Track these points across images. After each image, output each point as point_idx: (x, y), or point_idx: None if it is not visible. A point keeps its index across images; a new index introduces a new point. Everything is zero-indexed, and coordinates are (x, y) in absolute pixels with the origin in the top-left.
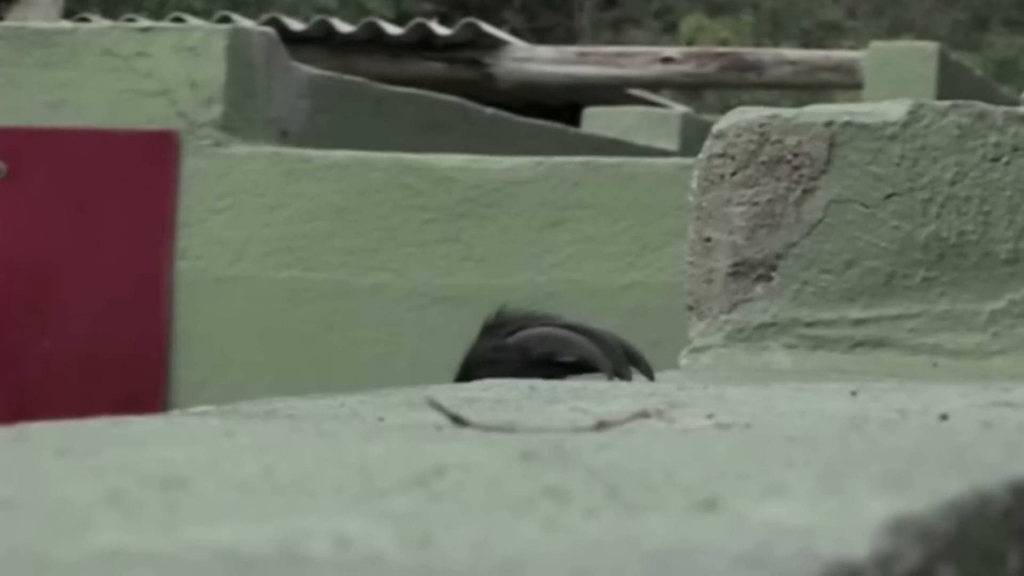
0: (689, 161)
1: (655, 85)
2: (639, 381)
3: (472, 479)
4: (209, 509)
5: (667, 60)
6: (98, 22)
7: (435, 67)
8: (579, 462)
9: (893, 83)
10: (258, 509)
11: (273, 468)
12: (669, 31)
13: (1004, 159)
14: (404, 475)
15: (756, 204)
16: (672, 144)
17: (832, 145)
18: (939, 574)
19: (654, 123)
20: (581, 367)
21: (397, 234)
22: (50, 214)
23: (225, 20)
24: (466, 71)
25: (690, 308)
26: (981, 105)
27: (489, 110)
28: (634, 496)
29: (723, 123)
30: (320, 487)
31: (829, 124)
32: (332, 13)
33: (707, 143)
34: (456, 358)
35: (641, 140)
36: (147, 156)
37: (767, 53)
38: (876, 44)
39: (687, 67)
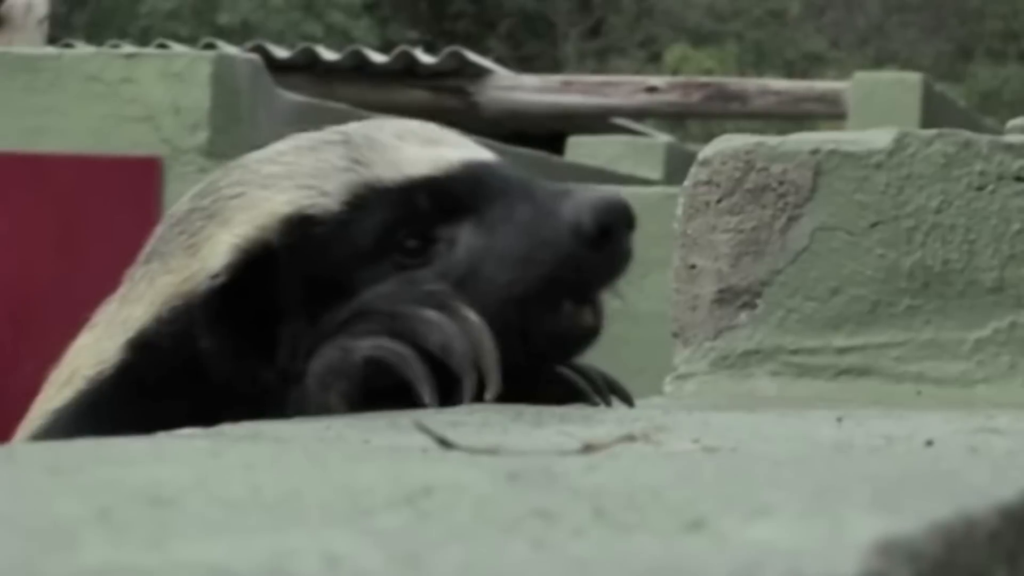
0: (673, 190)
1: (639, 114)
2: (622, 408)
3: (459, 499)
4: (198, 526)
5: (652, 90)
6: (83, 48)
7: (419, 95)
8: (566, 483)
9: (877, 113)
10: (247, 527)
11: (261, 487)
12: (654, 61)
13: (989, 188)
14: (391, 495)
15: (741, 231)
16: (656, 173)
17: (817, 173)
18: None
19: (638, 152)
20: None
21: None
22: (34, 239)
23: (210, 47)
24: (451, 99)
25: (675, 335)
26: (966, 134)
27: (473, 138)
28: (621, 516)
29: (708, 150)
30: (308, 506)
31: (814, 152)
32: (317, 41)
33: (692, 170)
34: None
35: (625, 169)
36: (131, 182)
37: (751, 83)
38: (860, 75)
39: (671, 97)
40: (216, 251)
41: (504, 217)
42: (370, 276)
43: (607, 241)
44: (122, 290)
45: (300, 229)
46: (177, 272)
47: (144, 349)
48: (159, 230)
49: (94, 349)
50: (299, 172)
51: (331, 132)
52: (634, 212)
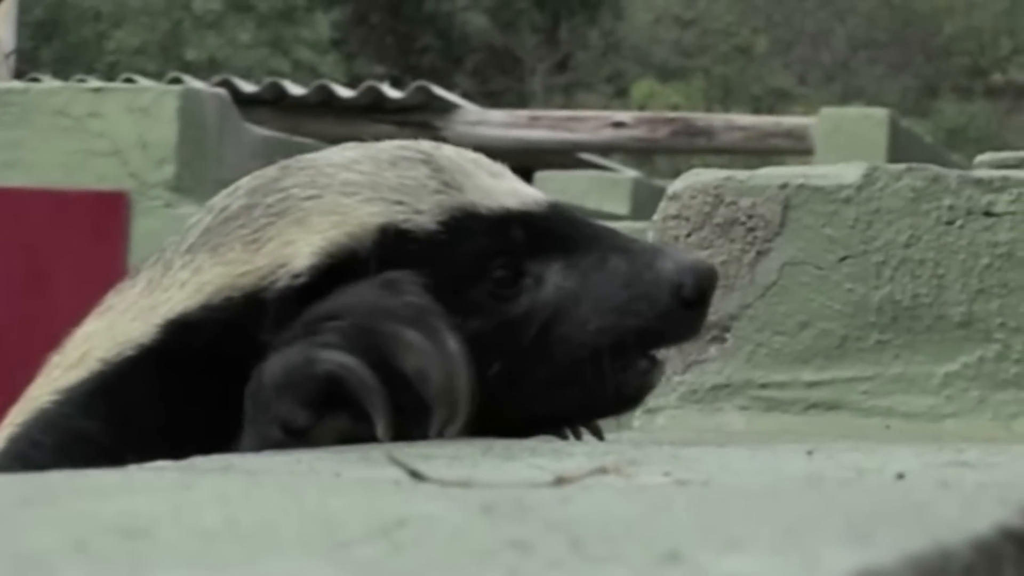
0: (640, 225)
1: (606, 149)
2: (592, 441)
3: (434, 530)
4: (174, 557)
5: (618, 125)
6: (50, 83)
7: (386, 130)
8: (540, 515)
9: (844, 149)
10: (223, 557)
11: (235, 518)
12: (620, 96)
13: (958, 222)
14: (366, 526)
15: None
16: (623, 208)
17: (786, 207)
18: None
19: (605, 187)
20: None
21: None
22: (1, 274)
23: (177, 81)
24: (417, 134)
25: None
26: (935, 169)
27: None
28: (596, 549)
29: (678, 184)
30: (284, 537)
31: (783, 186)
32: (284, 76)
33: (662, 204)
34: None
35: (592, 204)
36: (98, 216)
37: (718, 119)
38: (827, 110)
39: (638, 132)
40: (297, 250)
41: (598, 264)
42: (458, 301)
43: (700, 304)
44: (147, 276)
45: (394, 243)
46: (234, 264)
47: (184, 331)
48: (204, 223)
49: (109, 332)
50: (384, 185)
51: (404, 148)
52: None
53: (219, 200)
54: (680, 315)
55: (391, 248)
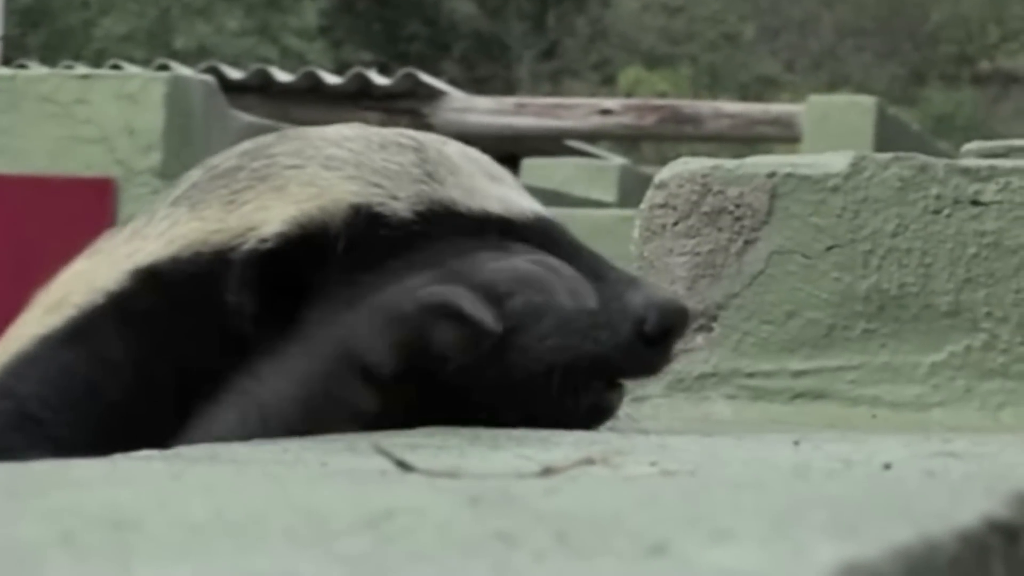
0: (627, 213)
1: (593, 137)
2: (578, 430)
3: (421, 522)
4: (162, 549)
5: (605, 112)
6: (37, 69)
7: (373, 117)
8: (527, 507)
9: (831, 137)
10: (211, 550)
11: (222, 510)
12: (608, 83)
13: (945, 211)
14: (354, 518)
15: (697, 254)
16: (610, 196)
17: (774, 196)
18: None
19: (592, 174)
20: None
21: None
22: None
23: (163, 68)
24: (404, 121)
25: None
26: (922, 158)
27: None
28: (583, 541)
29: (665, 173)
30: (271, 529)
31: (771, 175)
32: (272, 63)
33: (649, 193)
34: None
35: (579, 191)
36: (85, 203)
37: (705, 106)
38: (814, 98)
39: (625, 119)
40: (269, 216)
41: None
42: None
43: (663, 343)
44: (135, 225)
45: (365, 225)
46: (209, 221)
47: (152, 280)
48: (193, 178)
49: (88, 276)
50: (367, 165)
51: (398, 133)
52: (691, 320)
53: (214, 158)
54: (638, 351)
55: (362, 229)
